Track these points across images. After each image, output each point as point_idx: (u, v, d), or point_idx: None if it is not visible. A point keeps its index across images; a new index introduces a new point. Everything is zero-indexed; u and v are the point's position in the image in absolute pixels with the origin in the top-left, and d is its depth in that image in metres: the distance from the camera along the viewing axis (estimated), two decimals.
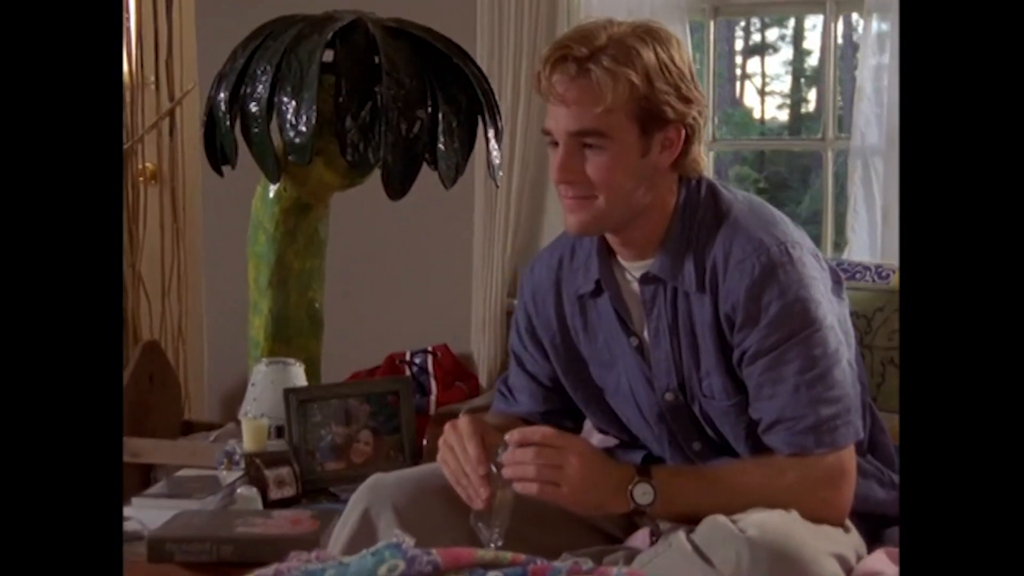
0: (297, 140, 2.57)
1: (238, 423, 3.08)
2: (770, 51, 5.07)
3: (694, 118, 1.65)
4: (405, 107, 2.58)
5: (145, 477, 2.93)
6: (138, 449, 2.76)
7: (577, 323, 1.80)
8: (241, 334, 3.21)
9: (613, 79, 1.59)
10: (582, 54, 1.60)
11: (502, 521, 1.62)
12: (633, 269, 1.74)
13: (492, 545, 1.58)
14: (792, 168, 4.81)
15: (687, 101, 1.63)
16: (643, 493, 1.60)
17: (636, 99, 1.60)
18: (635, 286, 1.73)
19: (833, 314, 1.65)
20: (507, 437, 1.62)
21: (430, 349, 3.55)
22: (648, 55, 1.61)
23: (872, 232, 3.17)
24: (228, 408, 3.80)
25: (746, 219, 1.66)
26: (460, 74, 2.70)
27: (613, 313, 1.75)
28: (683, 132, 1.65)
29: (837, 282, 1.72)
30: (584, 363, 1.81)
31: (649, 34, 1.63)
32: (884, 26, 3.16)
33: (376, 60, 2.60)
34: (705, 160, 1.73)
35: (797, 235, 1.68)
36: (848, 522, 1.64)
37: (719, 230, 1.66)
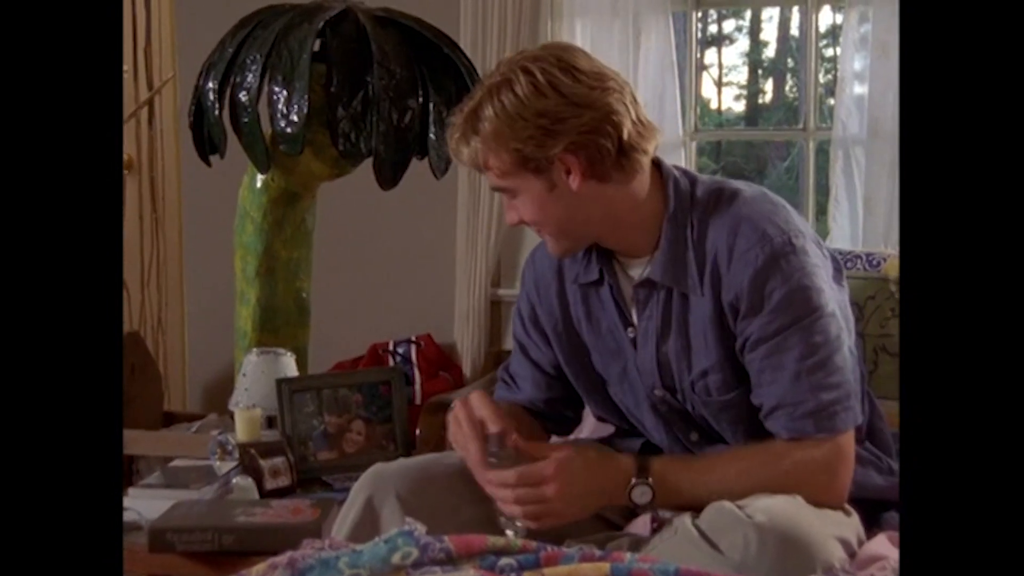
0: (288, 130, 2.56)
1: (220, 413, 3.08)
2: (727, 42, 5.11)
3: (579, 134, 1.62)
4: (397, 97, 2.58)
5: (127, 468, 2.92)
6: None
7: (580, 311, 1.81)
8: (222, 324, 3.20)
9: (480, 159, 1.65)
10: (456, 139, 1.67)
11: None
12: (631, 266, 1.75)
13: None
14: (748, 158, 4.86)
15: (554, 134, 1.61)
16: (641, 494, 1.63)
17: (511, 159, 1.63)
18: (633, 281, 1.75)
19: (835, 301, 1.67)
20: (491, 430, 1.66)
21: (413, 339, 3.55)
22: (489, 126, 1.62)
23: (854, 221, 3.21)
24: (209, 399, 3.79)
25: (749, 209, 1.68)
26: (450, 64, 2.70)
27: (613, 303, 1.76)
28: (579, 153, 1.63)
29: (838, 270, 1.74)
30: (586, 351, 1.82)
31: (495, 89, 1.63)
32: (867, 16, 3.19)
33: (366, 50, 2.60)
34: (649, 146, 1.68)
35: (800, 224, 1.69)
36: (848, 506, 1.66)
37: (722, 221, 1.67)
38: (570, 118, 1.62)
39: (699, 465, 1.68)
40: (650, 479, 1.63)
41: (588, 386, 1.85)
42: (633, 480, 1.63)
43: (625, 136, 1.64)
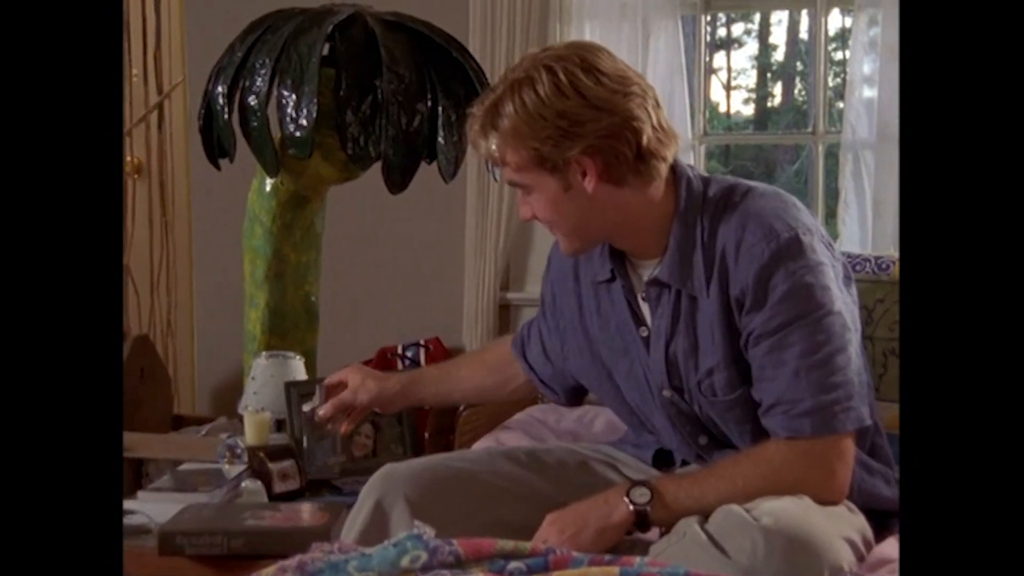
0: (298, 134, 2.57)
1: (230, 417, 3.08)
2: (735, 45, 5.12)
3: (597, 138, 1.62)
4: (405, 101, 2.58)
5: (136, 472, 2.92)
6: (130, 444, 2.75)
7: (592, 306, 1.82)
8: (231, 327, 3.21)
9: (497, 153, 1.66)
10: (475, 131, 1.68)
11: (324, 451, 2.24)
12: (642, 266, 1.75)
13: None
14: (757, 161, 4.86)
15: (572, 136, 1.62)
16: (641, 494, 1.63)
17: (528, 156, 1.64)
18: (645, 281, 1.75)
19: (841, 301, 1.66)
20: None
21: (422, 342, 3.56)
22: (508, 122, 1.63)
23: (863, 225, 3.21)
24: (218, 402, 3.80)
25: (759, 206, 1.68)
26: (459, 67, 2.70)
27: (625, 302, 1.76)
28: (596, 157, 1.64)
29: (847, 276, 1.74)
30: (598, 345, 1.83)
31: (517, 86, 1.63)
32: (876, 19, 3.19)
33: (375, 54, 2.61)
34: (668, 153, 1.68)
35: (810, 222, 1.69)
36: (850, 503, 1.66)
37: (732, 218, 1.67)
38: (589, 121, 1.62)
39: (695, 474, 1.69)
40: (647, 484, 1.64)
41: (600, 380, 1.85)
42: (630, 486, 1.64)
43: (644, 142, 1.64)
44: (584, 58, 1.64)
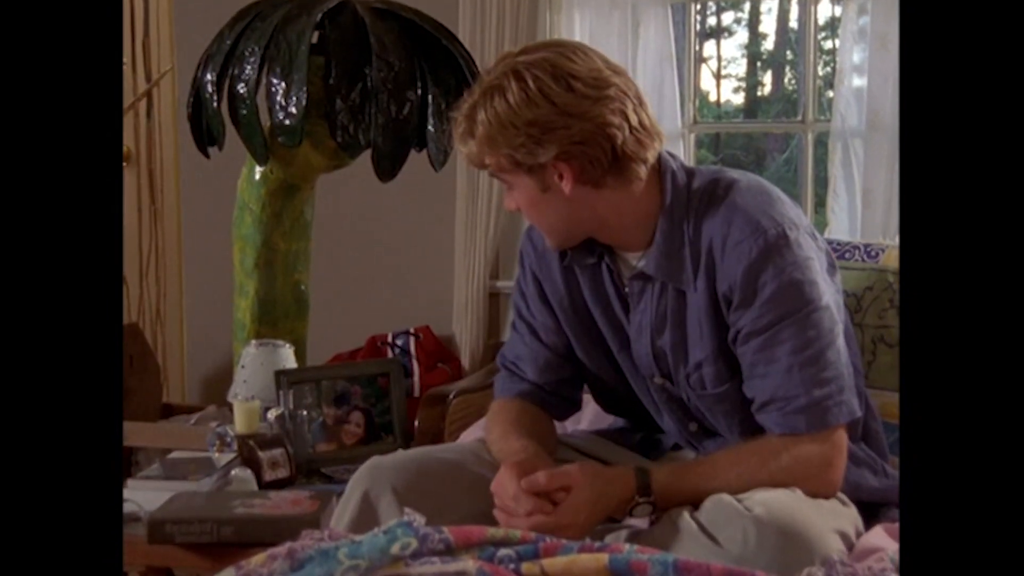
0: (287, 122, 2.57)
1: (219, 405, 3.08)
2: (725, 34, 5.13)
3: (570, 144, 1.62)
4: (395, 89, 2.58)
5: (126, 460, 2.92)
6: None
7: (585, 282, 1.80)
8: (220, 316, 3.21)
9: (476, 159, 1.66)
10: (457, 135, 1.68)
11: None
12: (630, 258, 1.75)
13: None
14: (747, 150, 4.87)
15: (544, 143, 1.61)
16: (642, 511, 1.63)
17: (504, 160, 1.64)
18: (628, 277, 1.75)
19: (829, 294, 1.66)
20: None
21: (412, 331, 3.55)
22: (482, 129, 1.63)
23: (852, 213, 3.22)
24: (208, 391, 3.80)
25: (744, 200, 1.67)
26: (448, 56, 2.70)
27: (613, 286, 1.76)
28: (571, 162, 1.63)
29: (831, 264, 1.74)
30: (595, 322, 1.81)
31: (489, 93, 1.63)
32: (866, 8, 3.20)
33: (365, 42, 2.60)
34: (648, 154, 1.66)
35: (795, 215, 1.68)
36: (844, 496, 1.67)
37: (717, 212, 1.66)
38: (560, 128, 1.60)
39: (700, 472, 1.65)
40: (652, 497, 1.62)
41: (599, 361, 1.83)
42: (636, 498, 1.62)
43: (619, 147, 1.63)
44: (556, 63, 1.62)
